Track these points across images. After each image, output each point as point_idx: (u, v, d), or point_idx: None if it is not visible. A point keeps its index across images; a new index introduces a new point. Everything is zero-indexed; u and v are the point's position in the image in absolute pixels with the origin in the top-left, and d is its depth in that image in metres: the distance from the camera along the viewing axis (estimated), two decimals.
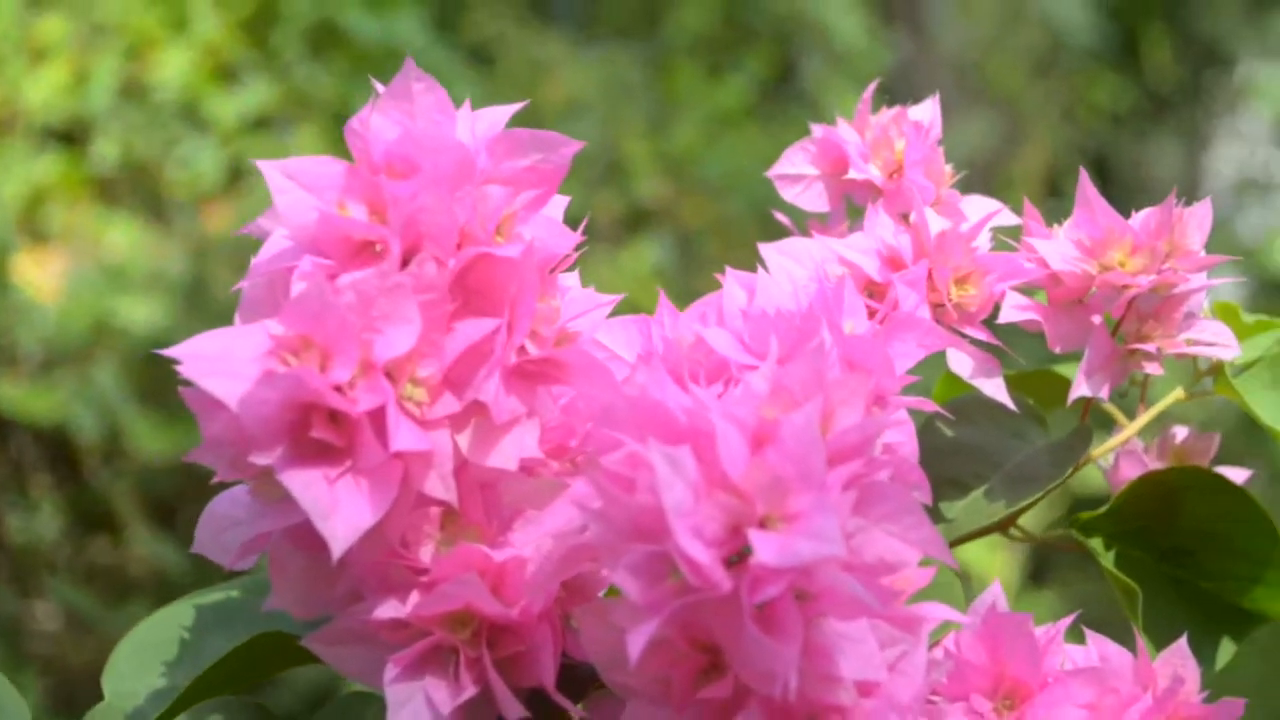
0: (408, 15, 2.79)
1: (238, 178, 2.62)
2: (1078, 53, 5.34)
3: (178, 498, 2.21)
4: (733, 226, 2.90)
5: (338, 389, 0.49)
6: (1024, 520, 0.64)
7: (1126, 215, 0.59)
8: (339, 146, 2.45)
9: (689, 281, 2.71)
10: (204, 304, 2.28)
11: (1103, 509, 0.64)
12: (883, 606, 0.50)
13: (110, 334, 2.18)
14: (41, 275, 2.19)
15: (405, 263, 0.51)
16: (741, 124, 3.13)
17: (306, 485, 0.49)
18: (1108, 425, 0.65)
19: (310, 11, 2.75)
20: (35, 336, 2.09)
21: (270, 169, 0.51)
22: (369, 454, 0.49)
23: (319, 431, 0.49)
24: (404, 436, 0.49)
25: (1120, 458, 0.66)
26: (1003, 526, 0.63)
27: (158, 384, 2.21)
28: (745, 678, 0.49)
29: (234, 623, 0.62)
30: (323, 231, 0.51)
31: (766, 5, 3.60)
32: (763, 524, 0.47)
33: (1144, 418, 0.63)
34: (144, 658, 0.62)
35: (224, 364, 0.49)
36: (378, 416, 0.49)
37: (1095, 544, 0.64)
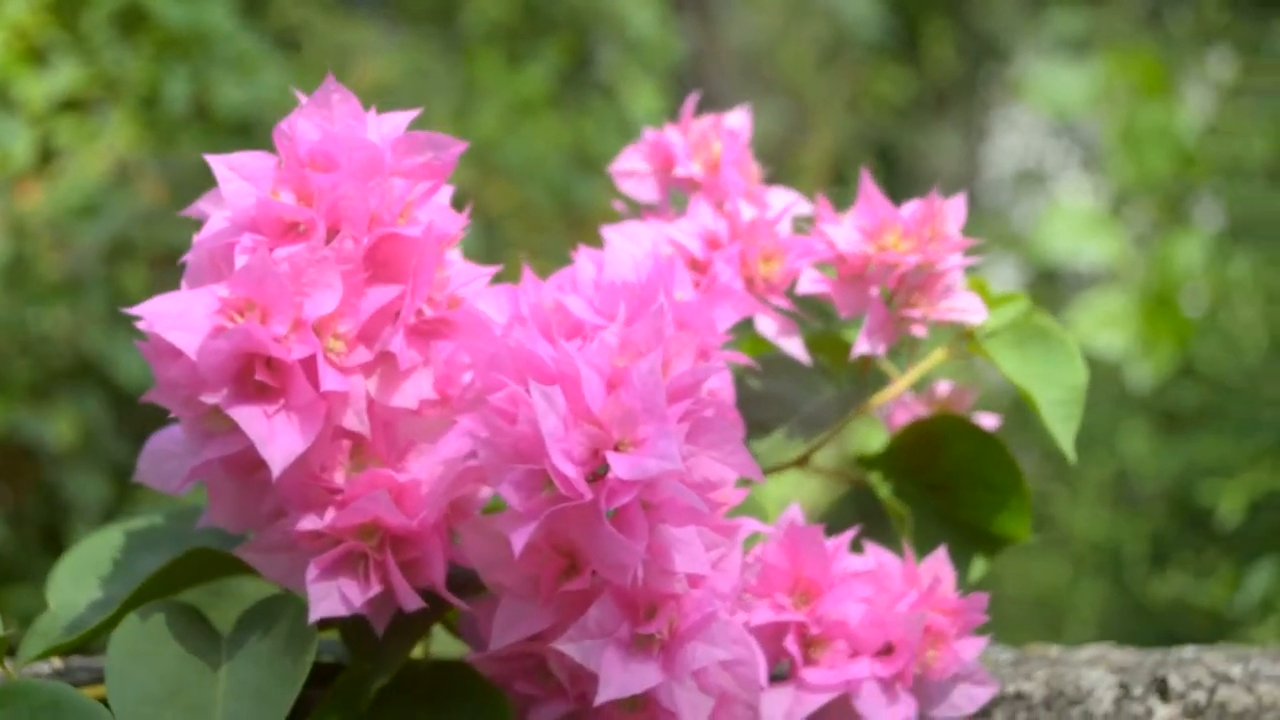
0: (216, 0, 2.86)
1: (49, 158, 2.67)
2: (862, 45, 5.54)
3: (7, 469, 2.28)
4: (534, 211, 3.03)
5: (277, 341, 0.61)
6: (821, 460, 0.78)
7: (908, 202, 0.73)
8: (148, 129, 2.53)
9: (492, 263, 2.84)
10: (24, 280, 2.34)
11: (880, 450, 0.78)
12: (709, 515, 0.63)
13: None
14: None
15: (327, 240, 0.63)
16: (541, 112, 3.25)
17: (250, 418, 0.61)
18: (884, 382, 0.79)
19: None
20: None
21: (216, 162, 0.63)
22: (300, 394, 0.61)
23: (261, 375, 0.61)
24: (330, 379, 0.61)
25: (895, 407, 0.80)
26: (800, 463, 0.77)
27: None
28: (602, 571, 0.62)
29: (160, 544, 0.73)
30: (260, 214, 0.63)
31: None
32: (617, 448, 0.61)
33: (913, 373, 0.77)
34: (81, 574, 0.73)
35: (182, 320, 0.61)
36: (308, 364, 0.62)
37: (875, 478, 0.78)
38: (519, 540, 0.60)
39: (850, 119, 4.66)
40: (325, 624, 0.67)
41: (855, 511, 0.81)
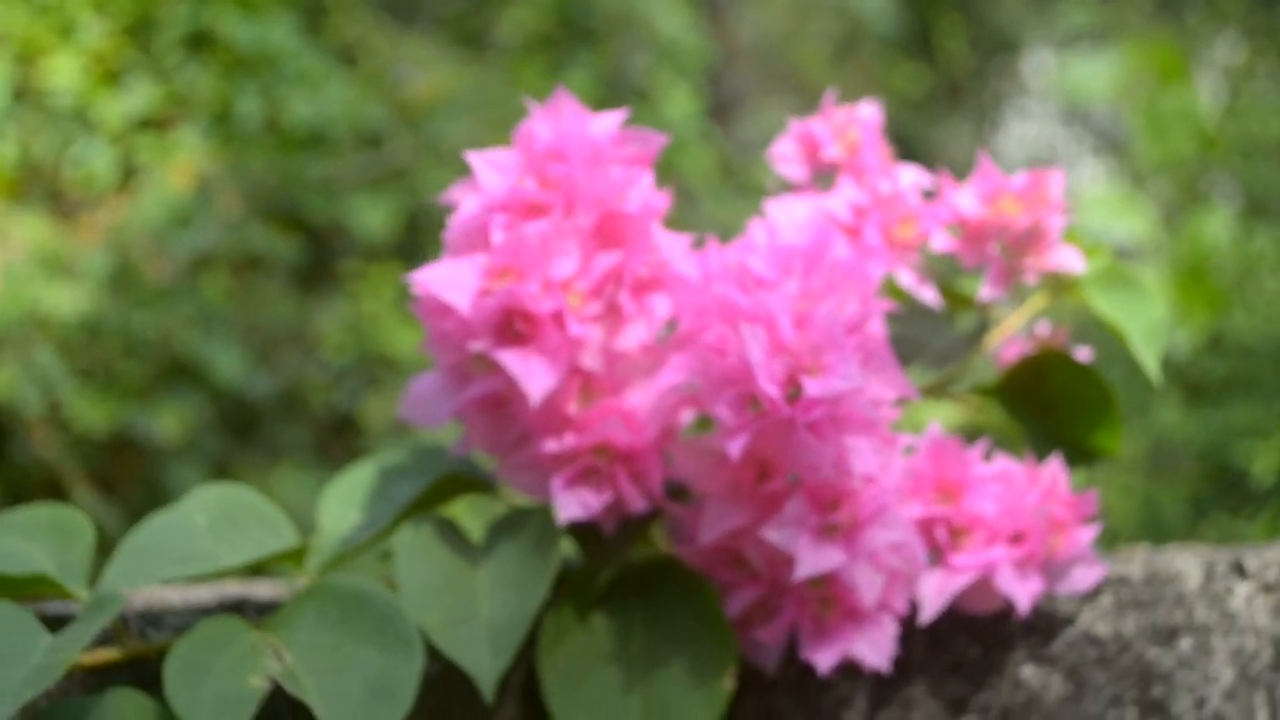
0: (279, 20, 3.01)
1: (130, 175, 2.83)
2: (875, 40, 5.68)
3: (114, 465, 2.44)
4: None
5: (531, 297, 0.77)
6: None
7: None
8: (222, 144, 2.68)
9: None
10: (124, 289, 2.50)
11: (995, 381, 0.94)
12: (878, 427, 0.79)
13: (41, 320, 2.40)
14: None
15: (563, 218, 0.78)
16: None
17: (512, 360, 0.77)
18: (995, 324, 0.94)
19: (187, 17, 2.95)
20: None
21: (474, 157, 0.79)
22: (550, 339, 0.77)
23: (519, 325, 0.77)
24: (574, 327, 0.77)
25: (1004, 345, 0.96)
26: (933, 391, 0.92)
27: (92, 364, 2.44)
28: (800, 471, 0.77)
29: (409, 475, 0.89)
30: (510, 198, 0.78)
31: (597, 5, 3.86)
32: (808, 373, 0.76)
33: (1019, 315, 0.93)
34: (345, 502, 0.88)
35: (454, 283, 0.77)
36: (556, 315, 0.77)
37: (991, 404, 0.94)
38: (735, 448, 0.76)
39: None
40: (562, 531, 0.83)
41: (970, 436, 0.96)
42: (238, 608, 0.85)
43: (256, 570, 0.83)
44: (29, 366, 2.35)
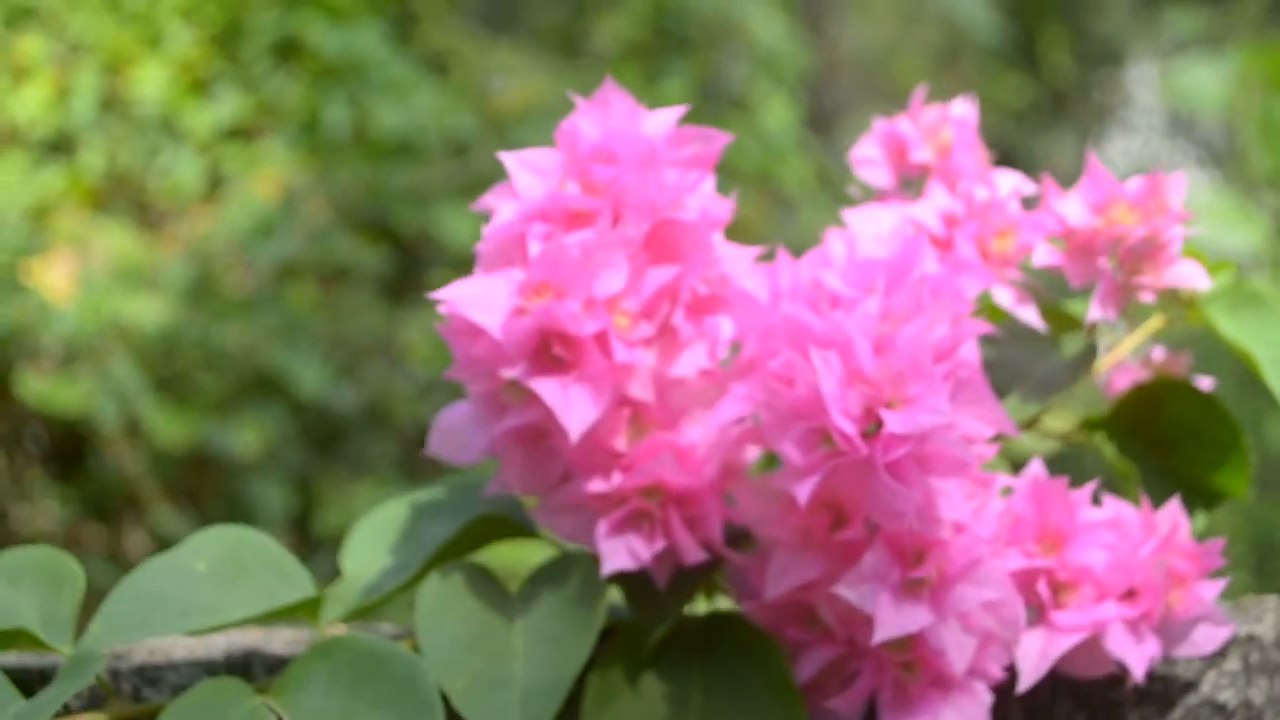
0: (368, 28, 2.95)
1: (217, 184, 2.77)
2: (978, 51, 5.57)
3: (194, 480, 2.38)
4: None
5: (571, 318, 0.67)
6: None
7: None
8: (309, 153, 2.63)
9: None
10: (205, 300, 2.44)
11: (1104, 413, 0.83)
12: (970, 467, 0.68)
13: (122, 331, 2.34)
14: (52, 278, 2.35)
15: (612, 227, 0.69)
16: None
17: (549, 389, 0.67)
18: (1103, 349, 0.84)
19: (275, 26, 2.90)
20: (55, 334, 2.24)
21: (509, 159, 0.69)
22: (592, 365, 0.68)
23: (558, 349, 0.67)
24: (621, 351, 0.68)
25: (1114, 373, 0.85)
26: (1030, 425, 0.82)
27: (170, 376, 2.38)
28: (878, 519, 0.67)
29: (443, 514, 0.80)
30: (549, 204, 0.69)
31: (693, 13, 3.78)
32: (889, 406, 0.66)
33: (1133, 338, 0.82)
34: (372, 543, 0.79)
35: (484, 302, 0.67)
36: (600, 338, 0.68)
37: (1099, 438, 0.83)
38: (803, 491, 0.66)
39: None
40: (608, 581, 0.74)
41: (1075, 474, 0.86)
42: (245, 664, 0.76)
43: (277, 618, 0.74)
44: (107, 379, 2.29)
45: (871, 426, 0.66)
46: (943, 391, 0.65)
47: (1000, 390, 0.80)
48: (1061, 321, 0.83)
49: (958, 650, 0.69)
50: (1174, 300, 0.81)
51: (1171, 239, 0.76)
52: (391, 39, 3.07)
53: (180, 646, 0.78)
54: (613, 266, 0.68)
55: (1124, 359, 0.84)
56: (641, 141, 0.69)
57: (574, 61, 3.61)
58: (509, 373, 0.68)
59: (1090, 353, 0.81)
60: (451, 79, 3.20)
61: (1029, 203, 0.80)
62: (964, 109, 0.80)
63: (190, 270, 2.46)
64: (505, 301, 0.67)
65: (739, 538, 0.74)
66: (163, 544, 2.35)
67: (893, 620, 0.68)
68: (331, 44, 2.90)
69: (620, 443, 0.71)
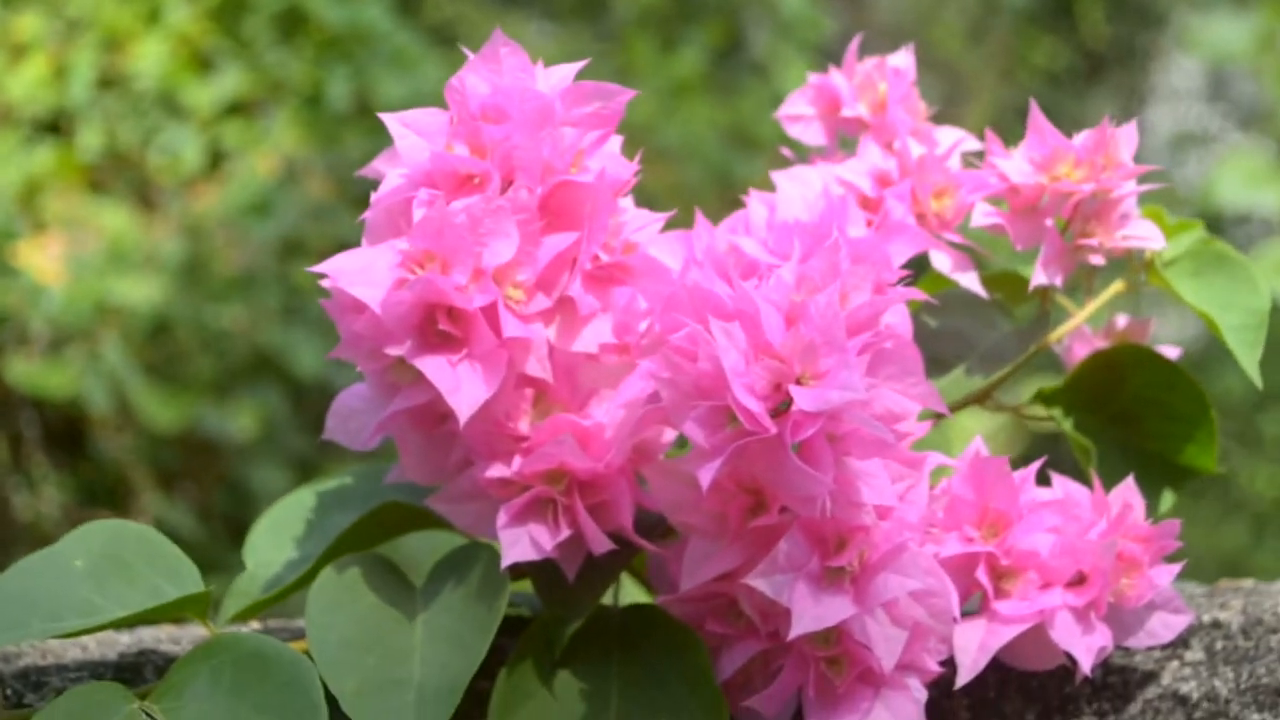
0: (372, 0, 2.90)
1: (218, 161, 2.73)
2: (1013, 15, 5.48)
3: (186, 466, 2.34)
4: (691, 191, 3.03)
5: (458, 290, 0.62)
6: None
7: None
8: (313, 128, 2.59)
9: None
10: (199, 281, 2.39)
11: (1061, 383, 0.78)
12: (893, 447, 0.63)
13: (113, 313, 2.30)
14: (42, 260, 2.31)
15: (502, 191, 0.64)
16: (696, 94, 3.26)
17: (436, 368, 0.62)
18: (1063, 317, 0.78)
19: None
20: (43, 317, 2.20)
21: (390, 119, 0.64)
22: (483, 342, 0.62)
23: (444, 325, 0.62)
24: (511, 326, 0.62)
25: (1073, 340, 0.80)
26: (981, 399, 0.76)
27: (162, 359, 2.34)
28: (790, 504, 0.62)
29: (350, 502, 0.75)
30: (435, 167, 0.64)
31: None
32: (799, 381, 0.61)
33: (1092, 306, 0.76)
34: (276, 535, 0.75)
35: (365, 275, 0.62)
36: (489, 312, 0.63)
37: (1056, 412, 0.78)
38: (706, 476, 0.60)
39: (1005, 89, 4.61)
40: (517, 572, 0.69)
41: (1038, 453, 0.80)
42: (137, 667, 0.72)
43: (161, 617, 0.70)
44: (97, 362, 2.25)
45: (782, 404, 0.61)
46: (856, 365, 0.60)
47: (945, 362, 0.75)
48: (1015, 288, 0.78)
49: (885, 644, 0.64)
50: (1135, 264, 0.76)
51: (1123, 195, 0.71)
52: (397, 11, 3.02)
53: (75, 647, 0.74)
54: (502, 234, 0.63)
55: (1082, 327, 0.79)
56: (535, 98, 0.64)
57: (589, 30, 3.55)
58: (395, 350, 0.63)
59: (1042, 321, 0.75)
60: (460, 51, 3.15)
61: (971, 161, 0.74)
62: (902, 59, 0.75)
63: (186, 249, 2.42)
64: (388, 274, 0.62)
65: (657, 525, 0.69)
66: (162, 530, 2.31)
67: (811, 612, 0.62)
68: (335, 15, 2.85)
69: (523, 425, 0.66)
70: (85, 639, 0.75)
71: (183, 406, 2.28)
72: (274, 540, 0.75)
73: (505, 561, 0.65)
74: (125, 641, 0.75)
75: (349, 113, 2.80)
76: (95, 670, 0.71)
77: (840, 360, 0.60)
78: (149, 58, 2.71)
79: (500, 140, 0.63)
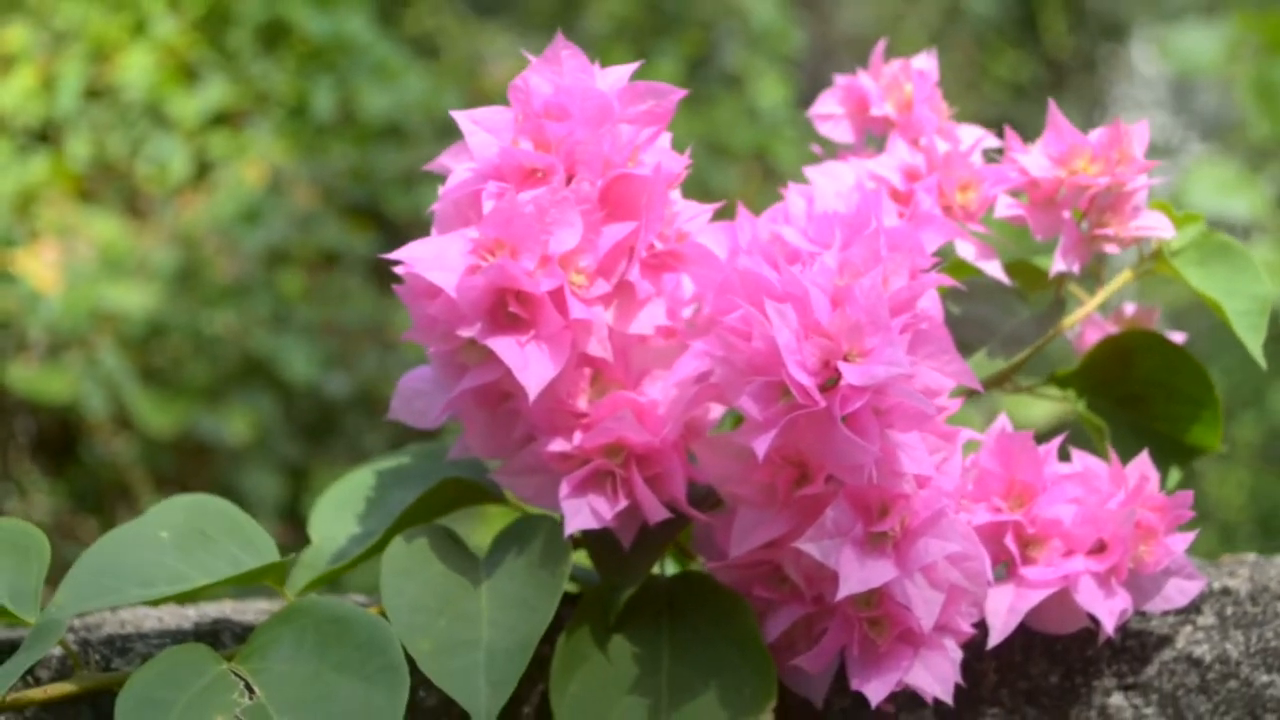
0: (354, 11, 2.93)
1: (205, 171, 2.76)
2: (976, 26, 5.55)
3: (182, 469, 2.37)
4: None
5: (527, 275, 0.67)
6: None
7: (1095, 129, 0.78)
8: (297, 138, 2.61)
9: None
10: (192, 287, 2.43)
11: (1074, 367, 0.83)
12: (932, 420, 0.68)
13: (108, 319, 2.33)
14: (39, 267, 2.34)
15: (565, 184, 0.68)
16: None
17: (506, 348, 0.67)
18: (1076, 304, 0.83)
19: (261, 10, 2.88)
20: (41, 323, 2.23)
21: (461, 117, 0.69)
22: (549, 323, 0.67)
23: (513, 307, 0.67)
24: (577, 309, 0.67)
25: (1085, 327, 0.85)
26: (1001, 381, 0.81)
27: (157, 364, 2.37)
28: (838, 473, 0.67)
29: (409, 479, 0.79)
30: (503, 162, 0.68)
31: None
32: (846, 358, 0.65)
33: (1104, 293, 0.81)
34: (339, 510, 0.79)
35: (439, 261, 0.67)
36: (556, 295, 0.67)
37: (1070, 394, 0.82)
38: (761, 446, 0.65)
39: (970, 100, 4.67)
40: (574, 544, 0.73)
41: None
42: (214, 633, 0.76)
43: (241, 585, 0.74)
44: (94, 368, 2.28)
45: (830, 380, 0.66)
46: (899, 343, 0.65)
47: (968, 346, 0.79)
48: (1031, 276, 0.82)
49: (924, 605, 0.69)
50: (1144, 254, 0.80)
51: (1136, 189, 0.76)
52: (379, 22, 3.05)
53: (151, 617, 0.78)
54: (567, 223, 0.67)
55: (1094, 314, 0.83)
56: (594, 96, 0.68)
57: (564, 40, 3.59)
58: (466, 332, 0.67)
59: (1058, 308, 0.80)
60: (441, 62, 3.19)
61: (992, 157, 0.79)
62: (925, 62, 0.80)
63: (177, 257, 2.45)
64: (460, 260, 0.67)
65: (705, 497, 0.74)
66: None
67: (857, 575, 0.67)
68: (317, 27, 2.88)
69: (582, 402, 0.70)
70: (157, 610, 0.79)
71: (177, 411, 2.32)
72: (337, 516, 0.79)
73: (568, 529, 0.69)
74: (193, 614, 0.79)
75: (333, 123, 2.84)
76: (175, 638, 0.75)
77: (885, 338, 0.65)
78: (136, 69, 2.73)
79: (564, 136, 0.68)
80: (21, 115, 2.63)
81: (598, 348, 0.69)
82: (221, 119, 2.80)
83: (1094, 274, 0.83)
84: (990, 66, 5.39)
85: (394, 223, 2.90)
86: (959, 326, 0.80)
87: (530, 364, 0.67)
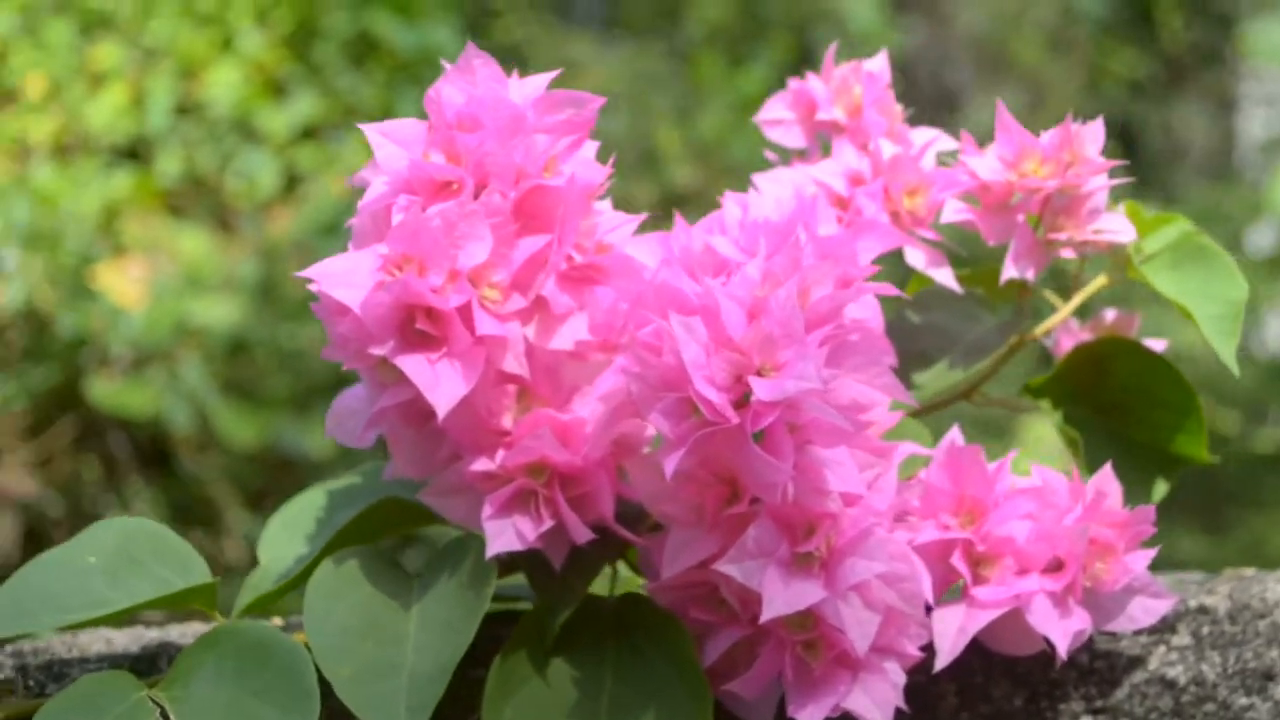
0: (440, 23, 2.94)
1: (293, 185, 2.78)
2: (1092, 25, 5.46)
3: (268, 483, 2.39)
4: None
5: (435, 291, 0.65)
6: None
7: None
8: None
9: None
10: (275, 301, 2.44)
11: (1048, 375, 0.79)
12: (857, 435, 0.65)
13: (191, 334, 2.35)
14: (123, 283, 2.37)
15: (476, 196, 0.66)
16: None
17: (414, 365, 0.65)
18: (1049, 311, 0.80)
19: (348, 25, 2.90)
20: (123, 339, 2.26)
21: (369, 129, 0.67)
22: (459, 340, 0.65)
23: (421, 324, 0.65)
24: (485, 324, 0.65)
25: (1060, 333, 0.81)
26: (968, 394, 0.78)
27: (240, 378, 2.39)
28: (755, 491, 0.64)
29: (359, 500, 0.78)
30: (413, 175, 0.67)
31: None
32: (759, 373, 0.63)
33: (1075, 300, 0.78)
34: (289, 531, 0.78)
35: (347, 278, 0.65)
36: (465, 311, 0.65)
37: (1044, 404, 0.79)
38: (670, 465, 0.63)
39: (1089, 99, 4.60)
40: (511, 565, 0.71)
41: None
42: (153, 657, 0.75)
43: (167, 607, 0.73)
44: (176, 382, 2.31)
45: (746, 395, 0.63)
46: (813, 357, 0.62)
47: (929, 356, 0.77)
48: (993, 284, 0.79)
49: (858, 627, 0.66)
50: (1115, 257, 0.77)
51: (1091, 191, 0.73)
52: (465, 33, 3.06)
53: (99, 641, 0.77)
54: (476, 237, 0.65)
55: (1069, 322, 0.80)
56: (506, 106, 0.67)
57: (658, 47, 3.58)
58: (378, 350, 0.66)
59: (1020, 315, 0.77)
60: (528, 72, 3.19)
61: (947, 161, 0.76)
62: (877, 64, 0.77)
63: (262, 271, 2.47)
64: (369, 277, 0.65)
65: (643, 516, 0.72)
66: (252, 547, 2.36)
67: (782, 596, 0.65)
68: (404, 40, 2.90)
69: (506, 420, 0.68)
70: (110, 633, 0.78)
71: (261, 425, 2.33)
72: (286, 537, 0.78)
73: (490, 551, 0.67)
74: (150, 636, 0.78)
75: None
76: (116, 662, 0.75)
77: (798, 352, 0.62)
78: (224, 84, 2.76)
79: (473, 147, 0.66)
80: (112, 133, 2.67)
81: (514, 364, 0.67)
82: (309, 133, 2.82)
83: (1073, 279, 0.79)
84: (1107, 64, 5.31)
85: None
86: (918, 335, 0.77)
87: (440, 383, 0.65)
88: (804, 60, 3.75)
